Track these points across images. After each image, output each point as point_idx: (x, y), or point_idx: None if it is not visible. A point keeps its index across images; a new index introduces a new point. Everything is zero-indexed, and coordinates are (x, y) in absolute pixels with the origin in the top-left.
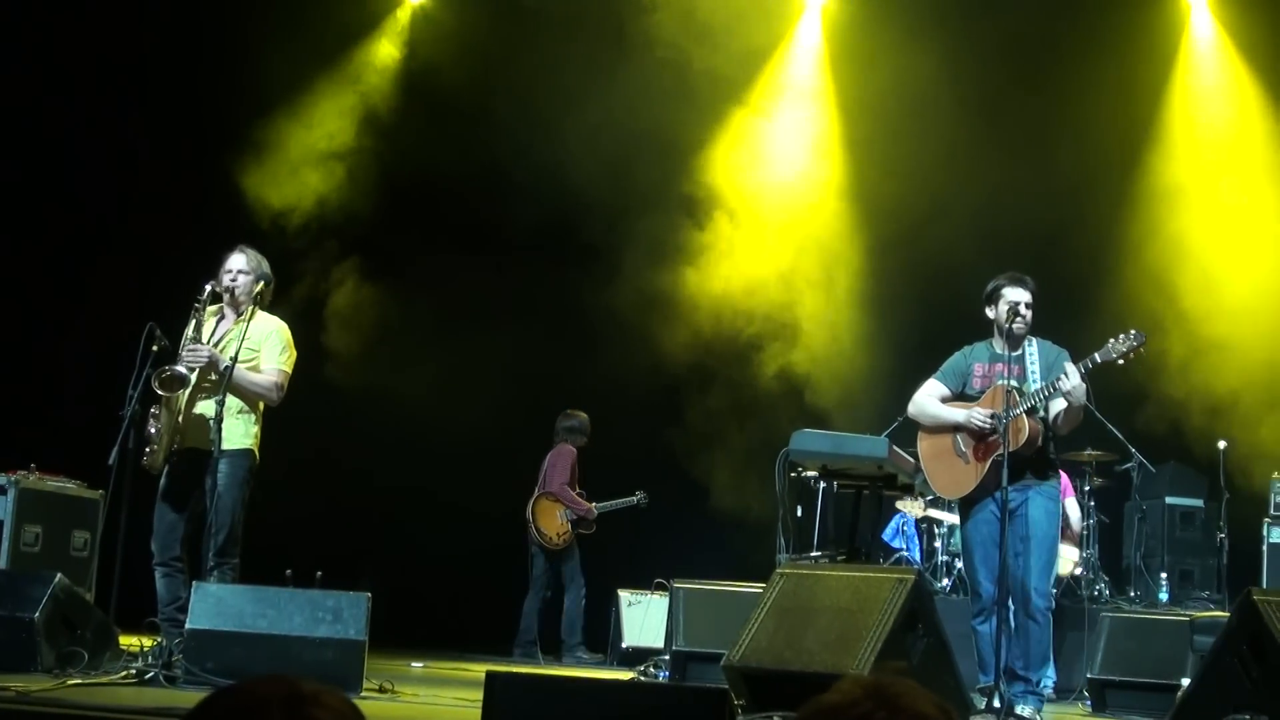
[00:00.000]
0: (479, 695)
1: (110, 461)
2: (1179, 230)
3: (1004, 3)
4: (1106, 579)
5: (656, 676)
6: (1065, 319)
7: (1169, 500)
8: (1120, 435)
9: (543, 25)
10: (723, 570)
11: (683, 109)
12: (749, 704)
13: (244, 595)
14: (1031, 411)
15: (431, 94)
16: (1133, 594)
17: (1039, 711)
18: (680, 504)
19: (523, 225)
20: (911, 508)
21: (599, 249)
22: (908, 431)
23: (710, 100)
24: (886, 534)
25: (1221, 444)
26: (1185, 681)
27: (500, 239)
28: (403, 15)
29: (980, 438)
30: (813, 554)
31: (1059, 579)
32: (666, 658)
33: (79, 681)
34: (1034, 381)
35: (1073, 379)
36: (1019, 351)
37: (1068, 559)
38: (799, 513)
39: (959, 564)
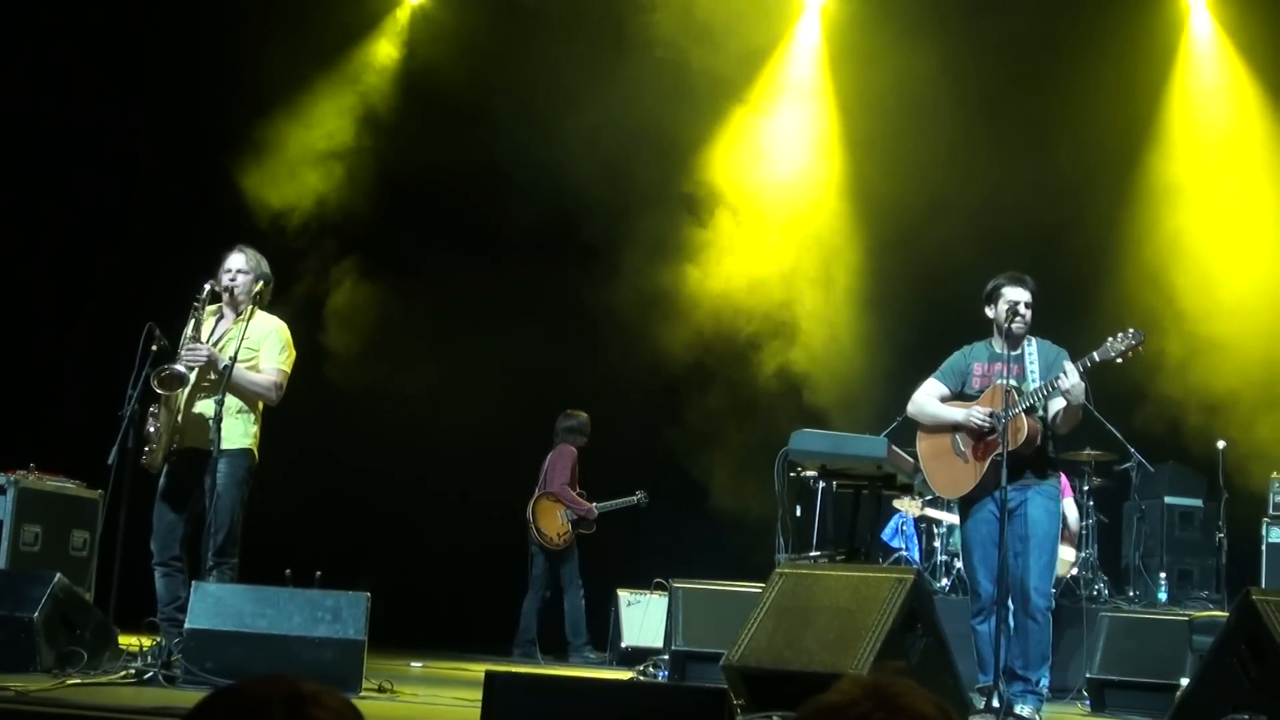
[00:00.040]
0: (478, 695)
1: (109, 461)
2: (1178, 229)
3: (1004, 2)
4: (1105, 579)
5: (656, 676)
6: (1064, 318)
7: (1168, 500)
8: (1119, 435)
9: (542, 25)
10: (722, 570)
11: (682, 109)
12: (748, 704)
13: (243, 595)
14: (1030, 411)
15: (431, 94)
16: (1132, 594)
17: (1038, 711)
18: (680, 504)
19: (522, 225)
20: (908, 507)
21: (599, 248)
22: (907, 431)
23: (709, 100)
24: (885, 534)
25: (1220, 444)
26: (1184, 681)
27: (500, 239)
28: (402, 15)
29: (979, 437)
30: (812, 554)
31: (1057, 580)
32: (666, 657)
33: (78, 681)
34: (1033, 381)
35: (1071, 378)
36: (1018, 351)
37: (1065, 560)
38: (798, 512)
39: (958, 564)
